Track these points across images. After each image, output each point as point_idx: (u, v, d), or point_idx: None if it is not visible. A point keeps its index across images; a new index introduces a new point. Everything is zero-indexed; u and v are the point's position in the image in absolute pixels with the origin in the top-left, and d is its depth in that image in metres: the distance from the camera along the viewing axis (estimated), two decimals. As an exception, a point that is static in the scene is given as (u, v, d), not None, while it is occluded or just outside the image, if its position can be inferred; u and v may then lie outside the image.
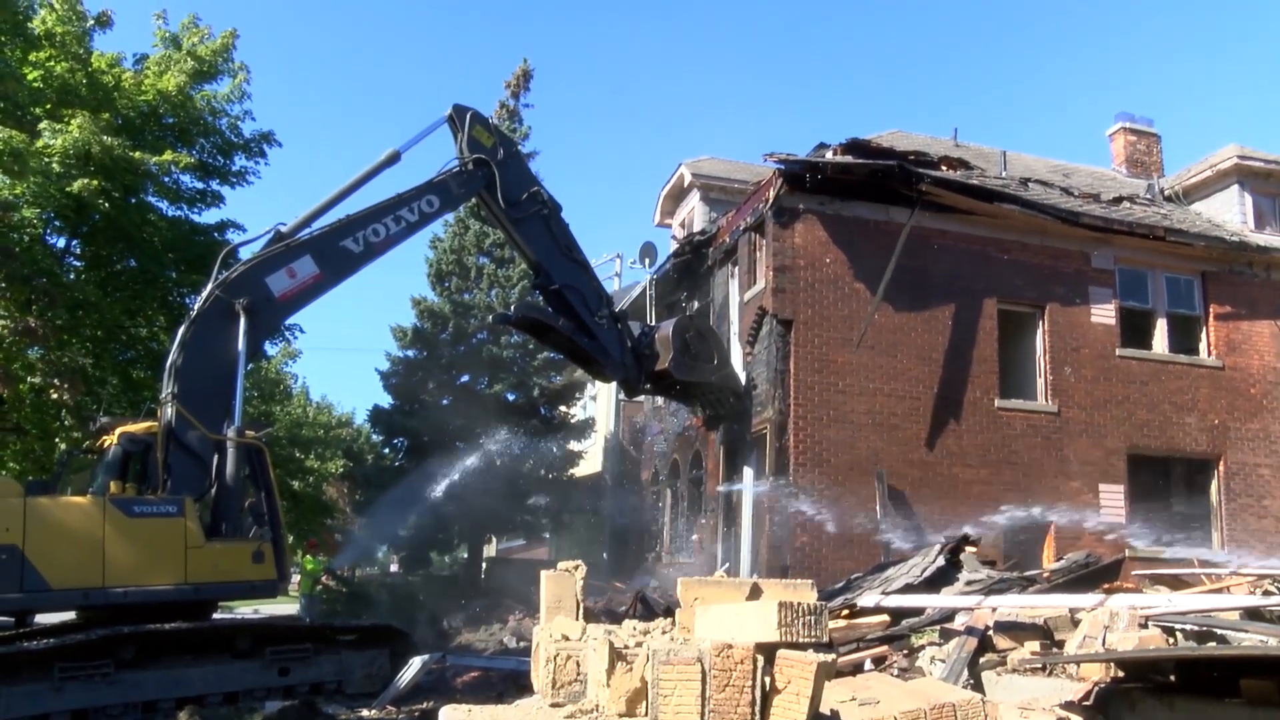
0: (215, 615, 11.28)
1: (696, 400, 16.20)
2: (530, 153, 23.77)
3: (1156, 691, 6.05)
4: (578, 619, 5.76)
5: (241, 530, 10.92)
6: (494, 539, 32.80)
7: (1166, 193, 19.41)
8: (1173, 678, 6.12)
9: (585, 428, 26.55)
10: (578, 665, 4.91)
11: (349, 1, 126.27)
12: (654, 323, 16.74)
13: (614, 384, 18.17)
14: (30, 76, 16.08)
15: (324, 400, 47.64)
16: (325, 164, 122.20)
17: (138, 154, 16.33)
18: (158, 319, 18.46)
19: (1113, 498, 16.12)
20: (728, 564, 16.33)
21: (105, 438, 11.16)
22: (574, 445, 25.90)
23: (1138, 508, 16.34)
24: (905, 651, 9.16)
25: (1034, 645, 8.35)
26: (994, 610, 9.03)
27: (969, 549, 12.27)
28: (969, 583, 10.96)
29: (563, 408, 26.52)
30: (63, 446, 16.15)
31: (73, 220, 16.88)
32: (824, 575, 13.52)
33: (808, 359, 15.09)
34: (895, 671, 8.33)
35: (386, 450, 27.80)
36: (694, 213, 22.52)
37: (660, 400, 20.52)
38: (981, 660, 8.20)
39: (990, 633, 8.58)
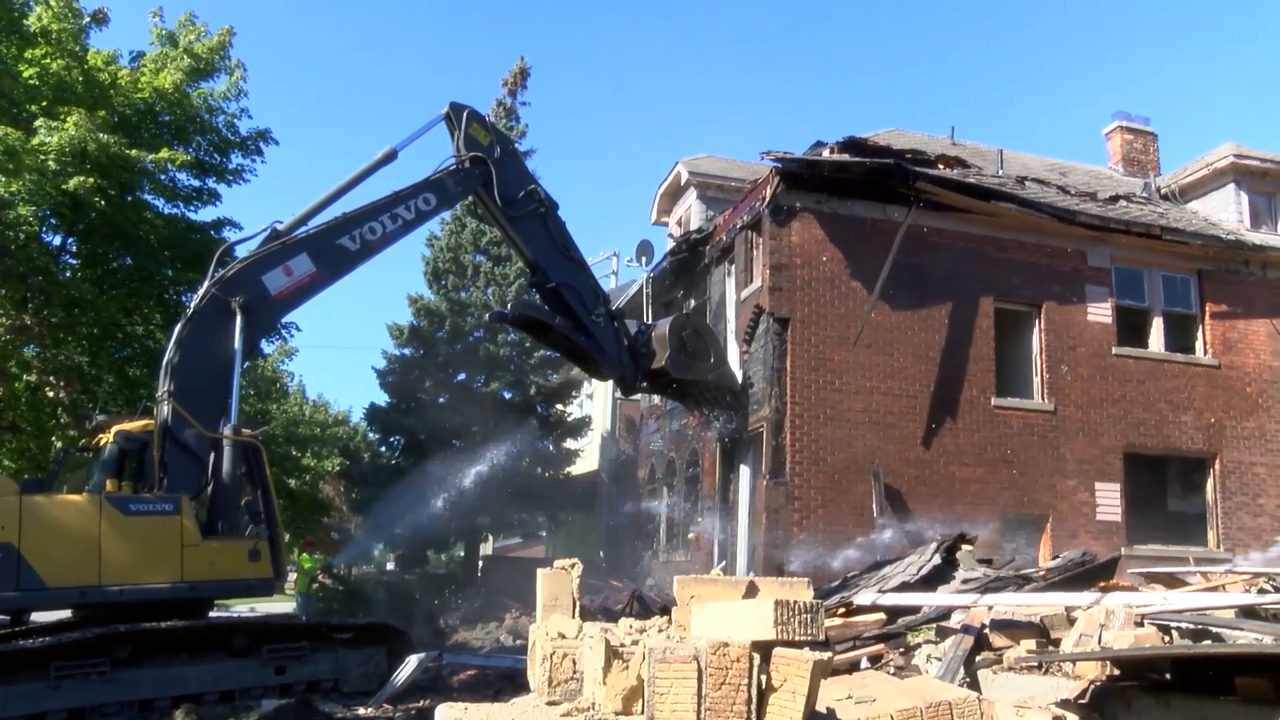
0: (212, 613, 11.28)
1: (693, 398, 16.20)
2: (527, 151, 23.73)
3: (1152, 689, 6.06)
4: (574, 617, 5.76)
5: (238, 528, 10.92)
6: (490, 537, 32.78)
7: (1163, 191, 19.45)
8: (1168, 676, 6.13)
9: (582, 426, 26.55)
10: (574, 663, 4.92)
11: (346, 0, 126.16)
12: (651, 321, 16.74)
13: (611, 382, 18.16)
14: (26, 74, 16.04)
15: (320, 398, 47.63)
16: (322, 162, 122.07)
17: (134, 152, 16.28)
18: (154, 317, 18.44)
19: (1109, 496, 16.16)
20: (724, 562, 16.34)
21: (101, 436, 11.16)
22: (570, 444, 25.91)
23: (1134, 506, 16.39)
24: (901, 650, 9.17)
25: (1030, 643, 8.35)
26: (990, 608, 9.04)
27: (965, 547, 12.28)
28: (965, 581, 10.97)
29: (559, 406, 26.51)
30: (59, 445, 16.14)
31: (69, 218, 16.84)
32: (820, 573, 13.53)
33: (804, 357, 15.11)
34: (891, 670, 8.34)
35: (383, 449, 27.75)
36: (691, 211, 22.53)
37: (657, 399, 20.53)
38: (978, 658, 8.20)
39: (986, 631, 8.59)
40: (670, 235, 23.11)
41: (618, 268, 29.89)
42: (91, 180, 15.37)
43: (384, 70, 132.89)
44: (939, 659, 8.33)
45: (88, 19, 17.19)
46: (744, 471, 16.09)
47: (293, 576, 21.75)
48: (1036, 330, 16.53)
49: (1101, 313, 16.76)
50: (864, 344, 15.32)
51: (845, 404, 15.15)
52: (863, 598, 10.67)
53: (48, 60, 16.35)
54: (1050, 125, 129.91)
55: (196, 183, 19.01)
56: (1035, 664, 7.70)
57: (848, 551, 14.36)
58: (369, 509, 25.09)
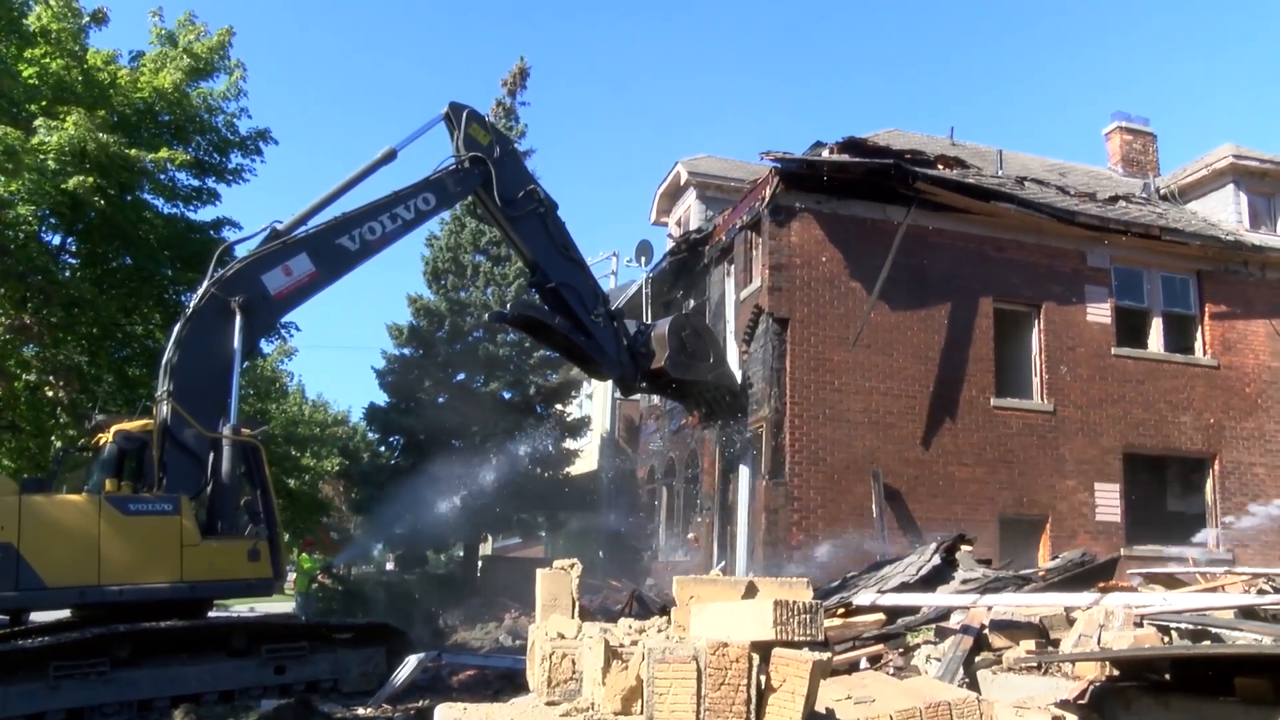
0: (211, 613, 11.27)
1: (692, 399, 16.17)
2: (527, 151, 23.72)
3: (1152, 690, 6.06)
4: (573, 617, 5.75)
5: (237, 528, 10.90)
6: (490, 537, 32.78)
7: (1162, 192, 19.45)
8: (1168, 676, 6.13)
9: (581, 426, 26.54)
10: (573, 664, 4.91)
11: (346, 0, 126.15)
12: (650, 321, 16.72)
13: (610, 382, 18.14)
14: (25, 73, 16.04)
15: (320, 398, 47.61)
16: (321, 162, 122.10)
17: (133, 151, 16.29)
18: (153, 316, 18.44)
19: (1108, 496, 16.16)
20: (724, 562, 16.34)
21: (101, 435, 11.14)
22: (570, 443, 25.89)
23: (1133, 506, 16.39)
24: (901, 650, 9.16)
25: (1029, 644, 8.34)
26: (989, 609, 9.04)
27: (964, 548, 12.27)
28: (964, 581, 10.96)
29: (559, 406, 26.50)
30: (58, 444, 16.15)
31: (68, 217, 16.84)
32: (819, 574, 13.53)
33: (804, 357, 15.11)
34: (891, 670, 8.33)
35: (382, 448, 27.74)
36: (690, 211, 22.53)
37: (656, 399, 20.52)
38: (977, 659, 8.20)
39: (986, 631, 8.58)
40: (670, 235, 23.11)
41: (617, 268, 29.85)
42: (91, 180, 15.37)
43: (384, 70, 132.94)
44: (938, 659, 8.33)
45: (87, 18, 17.19)
46: (743, 472, 16.08)
47: (292, 576, 21.74)
48: (1036, 330, 16.53)
49: (1101, 313, 16.76)
50: (863, 344, 15.32)
51: (845, 404, 15.15)
52: (862, 598, 10.67)
53: (47, 60, 16.34)
54: (1050, 126, 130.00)
55: (196, 182, 19.02)
56: (1034, 664, 7.70)
57: (847, 552, 14.36)
58: (368, 509, 25.09)
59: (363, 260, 11.94)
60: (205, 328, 10.82)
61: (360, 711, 10.10)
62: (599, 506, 25.18)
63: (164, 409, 10.53)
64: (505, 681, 10.72)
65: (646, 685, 4.11)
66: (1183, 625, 7.50)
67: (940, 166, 17.46)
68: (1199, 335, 17.49)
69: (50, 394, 16.03)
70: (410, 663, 10.58)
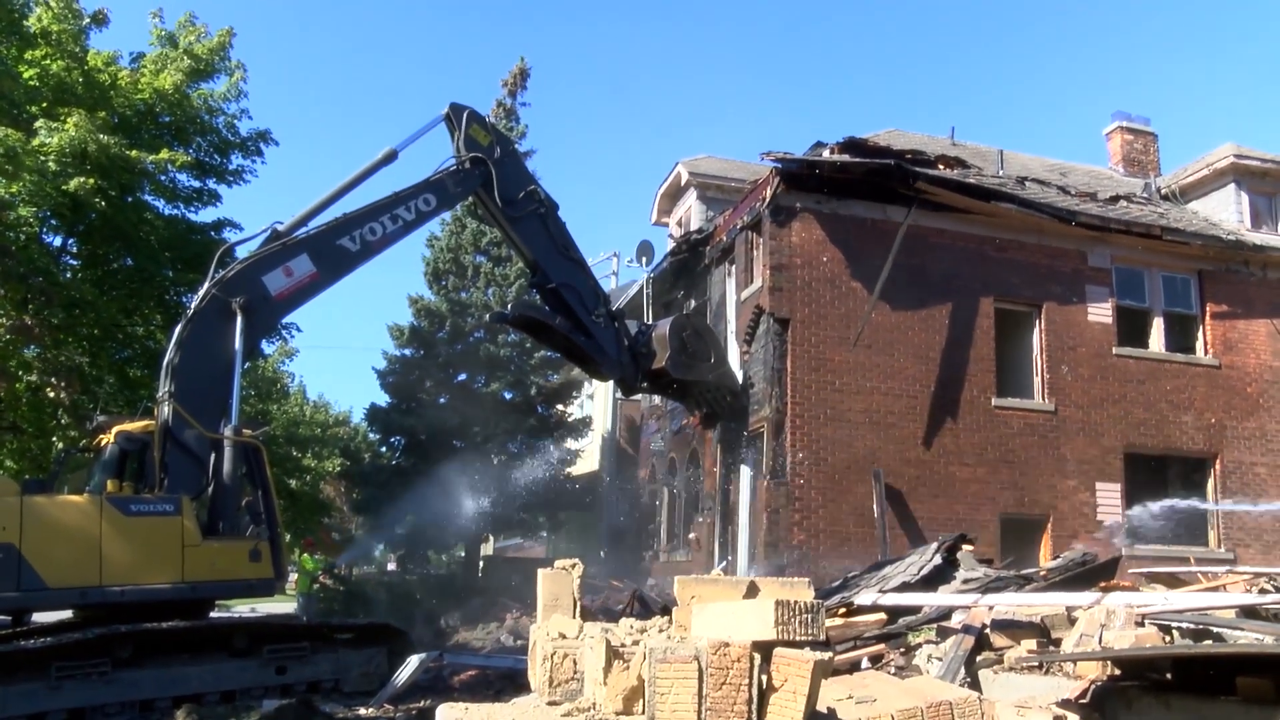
0: (212, 614, 11.27)
1: (693, 399, 16.20)
2: (527, 151, 23.73)
3: (1153, 689, 6.05)
4: (575, 617, 5.76)
5: (238, 529, 10.91)
6: (491, 537, 32.78)
7: (1163, 192, 19.44)
8: (1169, 676, 6.12)
9: (582, 426, 26.54)
10: (575, 664, 4.92)
11: (346, 0, 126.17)
12: (651, 321, 16.74)
13: (611, 383, 18.16)
14: (26, 75, 16.04)
15: (321, 399, 47.67)
16: (322, 163, 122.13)
17: (134, 152, 16.29)
18: (154, 318, 18.44)
19: (1109, 496, 16.15)
20: (725, 562, 16.34)
21: (102, 436, 11.15)
22: (571, 444, 25.90)
23: (1134, 506, 16.37)
24: (902, 650, 9.16)
25: (1031, 643, 8.34)
26: (991, 608, 9.03)
27: (966, 547, 12.26)
28: (966, 581, 10.95)
29: (560, 406, 26.51)
30: (59, 445, 16.14)
31: (69, 219, 16.84)
32: (821, 574, 13.53)
33: (805, 358, 15.11)
34: (892, 670, 8.33)
35: (384, 449, 27.77)
36: (691, 211, 22.53)
37: (657, 399, 20.52)
38: (978, 658, 8.19)
39: (987, 631, 8.58)
40: (670, 236, 23.12)
41: (618, 268, 29.89)
42: (92, 181, 15.38)
43: (384, 71, 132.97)
44: (940, 659, 8.33)
45: (88, 20, 17.19)
46: (744, 472, 16.08)
47: (294, 577, 21.76)
48: (1037, 330, 16.53)
49: (1102, 313, 16.76)
50: (864, 344, 15.32)
51: (846, 404, 15.15)
52: (863, 598, 10.66)
53: (48, 61, 16.34)
54: (1050, 126, 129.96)
55: (197, 183, 19.02)
56: (1036, 664, 7.69)
57: (848, 551, 14.36)
58: (369, 509, 25.11)
59: (363, 261, 11.96)
60: (206, 329, 10.84)
61: (362, 712, 10.10)
62: (600, 507, 25.20)
63: (165, 410, 10.54)
64: (507, 681, 10.73)
65: (648, 685, 4.12)
66: (1184, 625, 7.50)
67: (941, 167, 17.46)
68: (1200, 335, 17.48)
69: (51, 395, 16.03)
70: (412, 663, 10.59)
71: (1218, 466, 16.92)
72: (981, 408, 15.80)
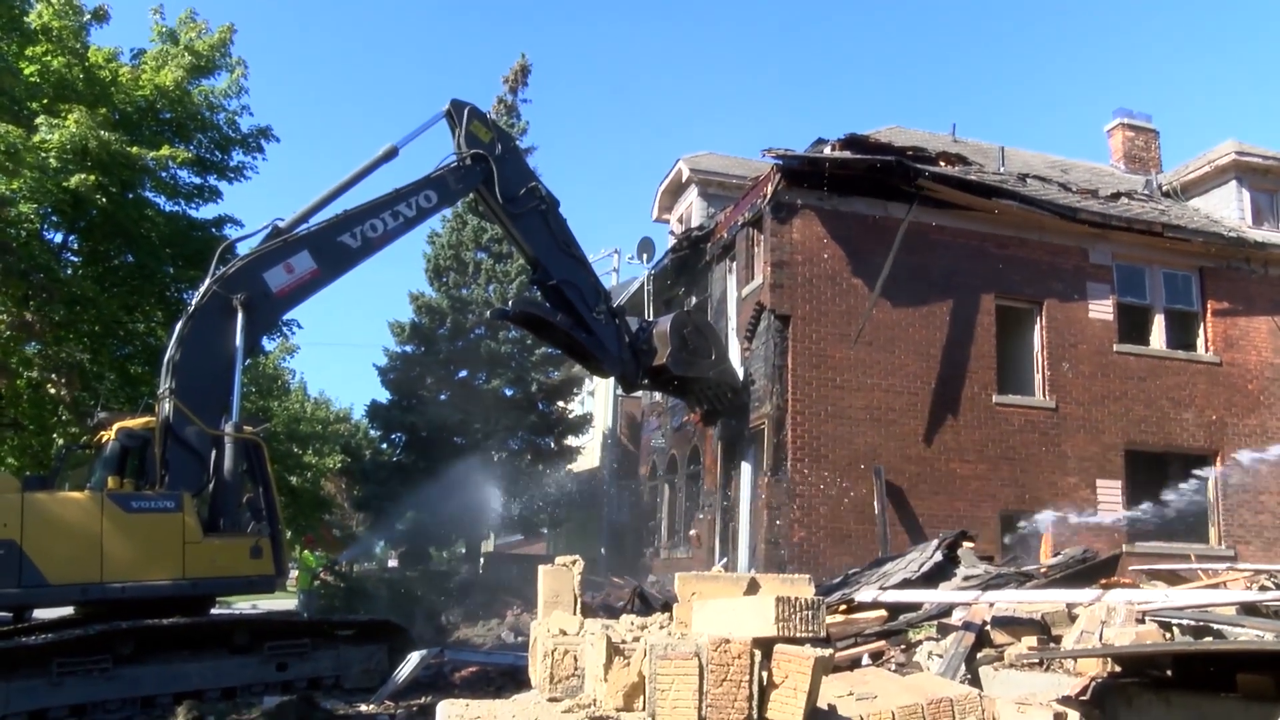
0: (213, 610, 11.28)
1: (694, 395, 16.20)
2: (528, 148, 23.74)
3: (1153, 686, 6.06)
4: (575, 614, 5.77)
5: (239, 525, 10.92)
6: (492, 534, 32.82)
7: (1165, 189, 19.42)
8: (1169, 672, 6.13)
9: (583, 423, 26.55)
10: (575, 660, 4.92)
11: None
12: (652, 318, 16.74)
13: (612, 379, 18.16)
14: (27, 71, 16.03)
15: (322, 395, 47.64)
16: (323, 159, 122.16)
17: (135, 149, 16.26)
18: (155, 314, 18.43)
19: (1110, 493, 16.15)
20: (726, 559, 16.34)
21: (103, 433, 11.15)
22: (572, 440, 25.89)
23: (1135, 503, 16.37)
24: (903, 646, 9.16)
25: (1031, 640, 8.34)
26: (991, 605, 9.03)
27: (966, 544, 12.26)
28: (966, 578, 10.95)
29: (561, 403, 26.52)
30: (60, 442, 16.14)
31: (70, 215, 16.83)
32: (822, 570, 13.54)
33: (806, 354, 15.10)
34: (893, 666, 8.33)
35: (384, 445, 27.80)
36: (692, 208, 22.51)
37: (658, 396, 20.52)
38: (979, 655, 8.20)
39: (988, 628, 8.58)
40: (671, 232, 23.11)
41: (619, 265, 29.84)
42: (93, 178, 15.36)
43: (385, 67, 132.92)
44: (940, 656, 8.33)
45: (88, 16, 17.15)
46: (745, 468, 16.09)
47: (294, 574, 21.77)
48: (1038, 327, 16.52)
49: (1103, 310, 16.75)
50: (865, 341, 15.31)
51: (846, 401, 15.14)
52: (864, 594, 10.66)
53: (48, 58, 16.32)
54: (1052, 122, 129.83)
55: (198, 180, 18.98)
56: (1036, 661, 7.69)
57: (849, 548, 14.36)
58: (370, 506, 25.13)
59: (364, 258, 11.96)
60: (207, 325, 10.83)
61: (362, 708, 10.10)
62: (601, 503, 25.21)
63: (166, 406, 10.55)
64: (507, 678, 10.73)
65: (649, 681, 4.12)
66: (1184, 621, 7.50)
67: (942, 163, 17.43)
68: (1201, 332, 17.47)
69: (52, 391, 16.02)
70: (412, 659, 10.59)
71: (1219, 463, 16.90)
72: (982, 405, 15.79)
